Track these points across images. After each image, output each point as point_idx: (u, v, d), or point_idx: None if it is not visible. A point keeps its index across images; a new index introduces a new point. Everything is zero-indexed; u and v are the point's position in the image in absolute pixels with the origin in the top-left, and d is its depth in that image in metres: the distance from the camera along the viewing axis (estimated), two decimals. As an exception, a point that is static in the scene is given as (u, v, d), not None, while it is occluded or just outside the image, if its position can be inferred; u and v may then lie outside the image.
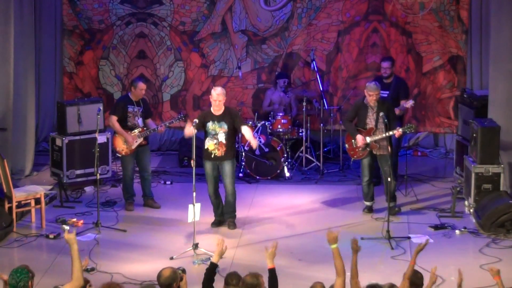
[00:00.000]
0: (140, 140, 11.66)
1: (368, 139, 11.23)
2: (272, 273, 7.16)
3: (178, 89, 14.74)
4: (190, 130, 10.61)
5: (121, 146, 11.64)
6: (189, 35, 14.59)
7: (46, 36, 14.43)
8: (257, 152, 13.02)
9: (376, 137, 11.20)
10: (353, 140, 11.37)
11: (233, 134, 10.98)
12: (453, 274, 9.35)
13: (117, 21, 14.62)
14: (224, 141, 10.82)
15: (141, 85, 11.71)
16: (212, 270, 7.47)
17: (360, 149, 11.32)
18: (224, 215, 11.13)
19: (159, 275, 7.03)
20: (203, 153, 10.95)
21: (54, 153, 12.78)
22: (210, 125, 10.84)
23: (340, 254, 6.84)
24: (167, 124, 11.99)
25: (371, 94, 11.15)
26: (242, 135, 13.16)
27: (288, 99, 13.84)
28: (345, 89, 14.41)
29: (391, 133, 11.13)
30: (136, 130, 11.62)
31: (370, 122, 11.29)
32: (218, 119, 10.84)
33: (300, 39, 14.43)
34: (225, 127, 10.83)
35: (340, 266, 6.84)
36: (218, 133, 10.81)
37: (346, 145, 11.55)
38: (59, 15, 14.56)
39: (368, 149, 11.29)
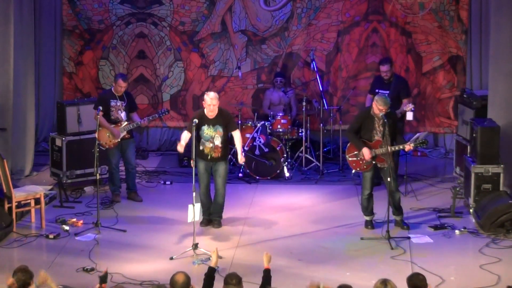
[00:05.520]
0: (123, 133, 11.77)
1: (375, 152, 10.62)
2: (267, 272, 7.66)
3: (178, 89, 14.73)
4: (182, 146, 10.94)
5: (105, 139, 11.72)
6: (189, 35, 14.59)
7: (46, 36, 14.43)
8: (257, 152, 13.01)
9: (384, 150, 10.54)
10: (356, 152, 10.76)
11: (227, 136, 10.97)
12: (453, 274, 9.37)
13: (117, 21, 14.61)
14: (220, 144, 10.84)
15: (121, 83, 11.85)
16: (210, 274, 7.68)
17: (364, 161, 10.73)
18: (212, 215, 11.15)
19: (174, 282, 6.94)
20: (197, 152, 10.84)
21: (54, 153, 12.78)
22: (206, 129, 10.81)
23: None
24: (150, 118, 12.14)
25: (381, 108, 10.43)
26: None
27: (287, 99, 13.84)
28: (345, 89, 14.40)
29: (401, 147, 10.65)
30: (123, 123, 11.77)
31: (377, 134, 10.65)
32: (213, 122, 10.79)
33: (300, 39, 14.42)
34: (220, 130, 10.82)
35: None
36: (214, 137, 10.81)
37: (348, 156, 10.86)
38: (59, 15, 14.55)
39: (374, 162, 10.72)
